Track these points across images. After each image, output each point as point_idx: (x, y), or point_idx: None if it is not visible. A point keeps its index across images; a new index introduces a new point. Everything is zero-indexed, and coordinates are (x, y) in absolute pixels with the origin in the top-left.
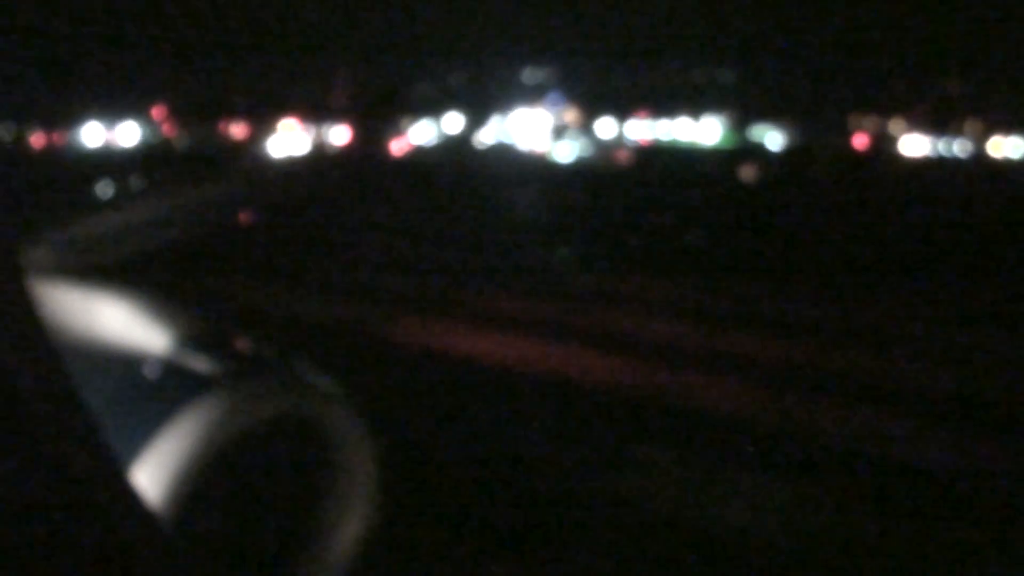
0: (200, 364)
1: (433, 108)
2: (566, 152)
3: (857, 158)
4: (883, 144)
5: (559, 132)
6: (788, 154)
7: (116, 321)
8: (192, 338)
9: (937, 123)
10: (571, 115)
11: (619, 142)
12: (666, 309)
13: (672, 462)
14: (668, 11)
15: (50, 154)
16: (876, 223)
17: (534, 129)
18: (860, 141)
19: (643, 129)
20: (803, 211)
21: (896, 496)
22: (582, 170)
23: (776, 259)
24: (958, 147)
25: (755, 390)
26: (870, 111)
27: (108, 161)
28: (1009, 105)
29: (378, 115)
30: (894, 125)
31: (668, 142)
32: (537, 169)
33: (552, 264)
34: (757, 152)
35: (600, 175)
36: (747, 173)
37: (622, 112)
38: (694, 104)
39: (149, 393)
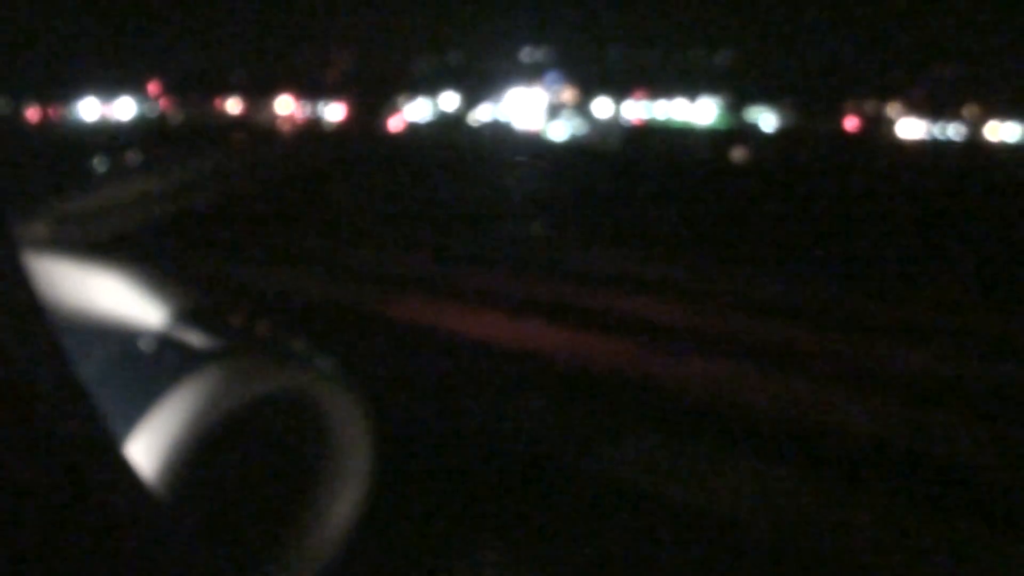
0: (195, 339)
1: (430, 86)
2: (560, 131)
3: (846, 140)
4: (876, 127)
5: (554, 111)
6: (779, 136)
7: (111, 295)
8: (187, 313)
9: (934, 107)
10: (568, 95)
11: (615, 122)
12: (635, 286)
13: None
14: None
15: (46, 128)
16: (858, 205)
17: (530, 108)
18: (851, 124)
19: (640, 110)
20: (789, 192)
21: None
22: (575, 149)
23: (754, 239)
24: (953, 131)
25: (712, 365)
26: (868, 95)
27: (104, 135)
28: (1006, 90)
29: (375, 92)
30: (891, 109)
31: (662, 122)
32: (530, 147)
33: (526, 239)
34: (749, 133)
35: (592, 154)
36: (738, 154)
37: (619, 93)
38: (691, 85)
39: (144, 367)
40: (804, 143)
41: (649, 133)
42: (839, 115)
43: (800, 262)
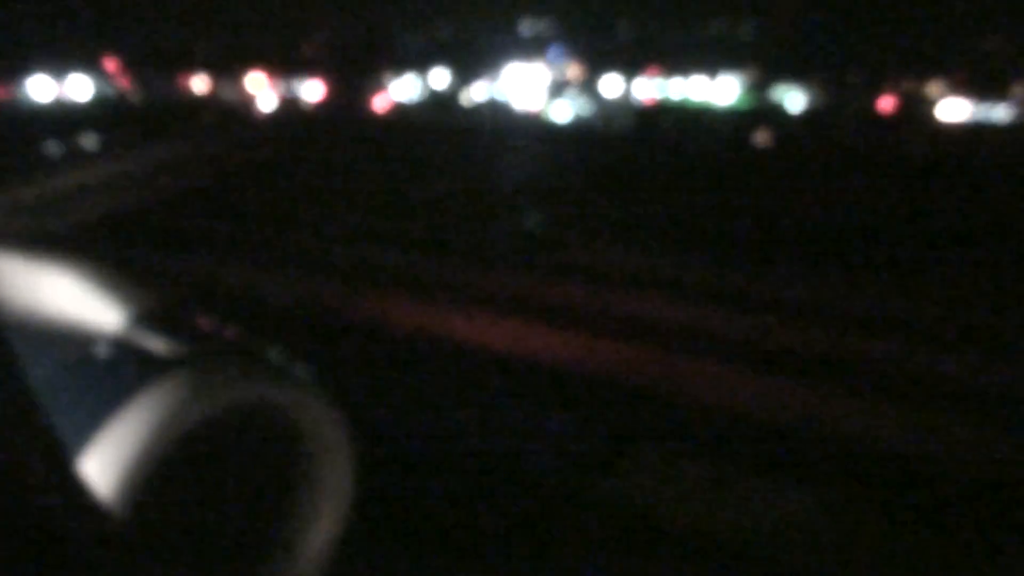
0: (157, 344)
1: (419, 62)
2: (563, 112)
3: (882, 123)
4: (915, 108)
5: (557, 90)
6: (808, 116)
7: (64, 295)
8: (148, 315)
9: (979, 86)
10: (573, 72)
11: (625, 102)
12: (639, 286)
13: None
14: None
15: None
16: (890, 195)
17: (529, 87)
18: (886, 104)
19: (653, 88)
20: (816, 181)
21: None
22: (579, 132)
23: (775, 235)
24: (1002, 112)
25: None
26: (906, 72)
27: (58, 116)
28: None
29: (358, 69)
30: (932, 88)
31: (677, 102)
32: (530, 130)
33: (521, 234)
34: (774, 114)
35: (599, 138)
36: (761, 137)
37: (630, 70)
38: (711, 61)
39: (100, 375)
40: (834, 126)
41: (662, 114)
42: (874, 95)
43: (827, 262)
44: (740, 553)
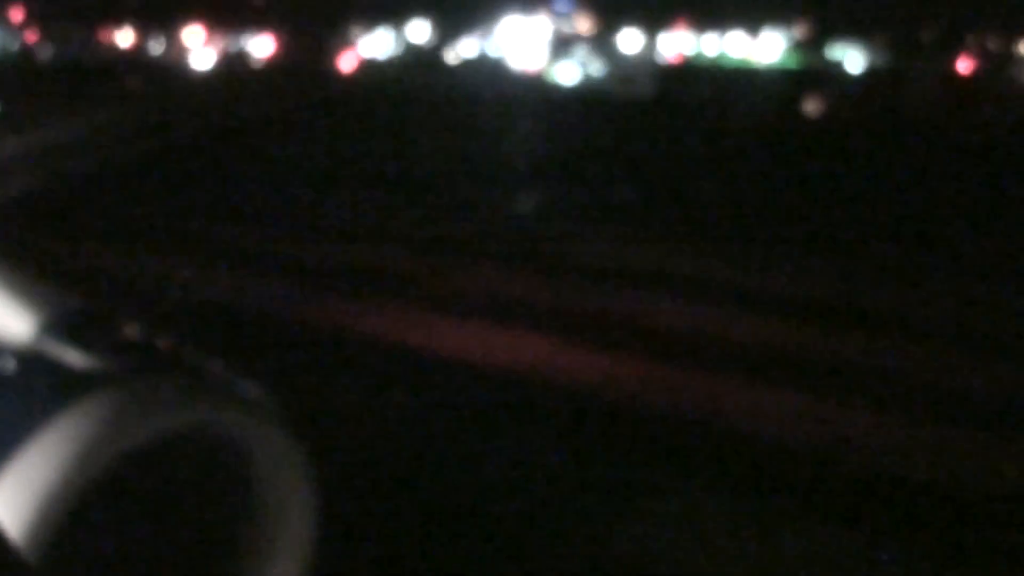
0: (75, 356)
1: (393, 11)
2: (569, 73)
3: (961, 87)
4: (1000, 70)
5: (562, 46)
6: (869, 79)
7: None
8: (64, 321)
9: None
10: (583, 24)
11: (645, 61)
12: (635, 282)
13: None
14: None
15: None
16: (970, 175)
17: (529, 42)
18: (964, 66)
19: (681, 45)
20: (880, 158)
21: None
22: (588, 96)
23: (820, 222)
24: None
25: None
26: (991, 28)
27: None
28: None
29: (318, 21)
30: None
31: (708, 61)
32: (529, 93)
33: (511, 219)
34: (828, 76)
35: (612, 103)
36: (811, 104)
37: (654, 24)
38: (752, 14)
39: (6, 393)
40: (908, 91)
41: (692, 75)
42: (952, 55)
43: (893, 255)
44: None
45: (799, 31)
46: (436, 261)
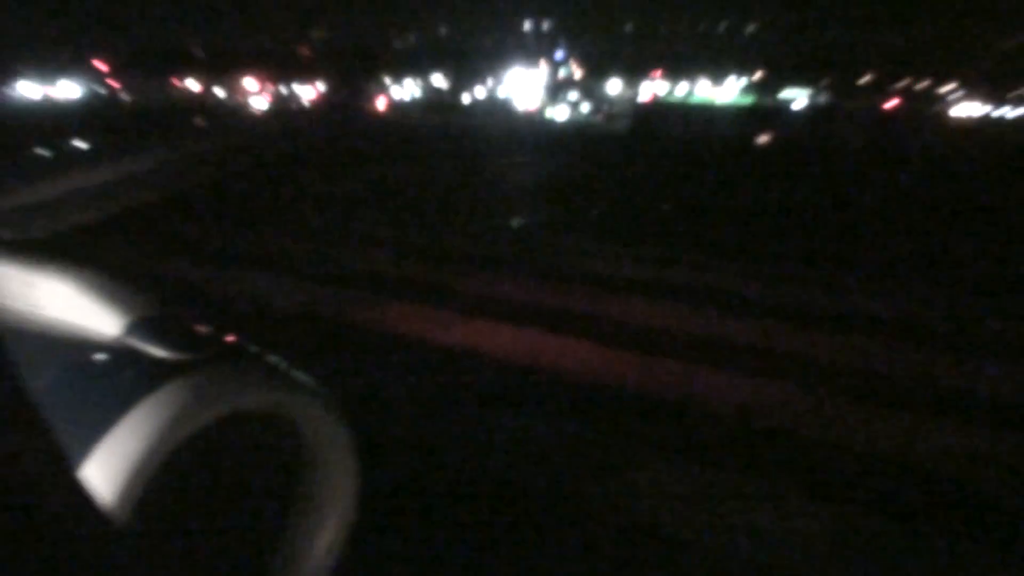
0: (157, 350)
1: (419, 66)
2: (561, 112)
3: (885, 120)
4: (923, 108)
5: (557, 90)
6: (809, 115)
7: (63, 301)
8: (148, 321)
9: (994, 86)
10: (576, 74)
11: (623, 101)
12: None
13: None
14: None
15: None
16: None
17: (530, 87)
18: (891, 104)
19: (657, 89)
20: (808, 176)
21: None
22: (575, 130)
23: (756, 232)
24: (1012, 110)
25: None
26: (922, 74)
27: (49, 117)
28: None
29: (356, 72)
30: (945, 90)
31: (675, 100)
32: (528, 128)
33: (505, 233)
34: (775, 112)
35: (594, 135)
36: (760, 135)
37: (635, 73)
38: (717, 65)
39: (101, 381)
40: (839, 123)
41: (661, 112)
42: (883, 94)
43: (845, 263)
44: (742, 560)
45: (755, 77)
46: (443, 268)
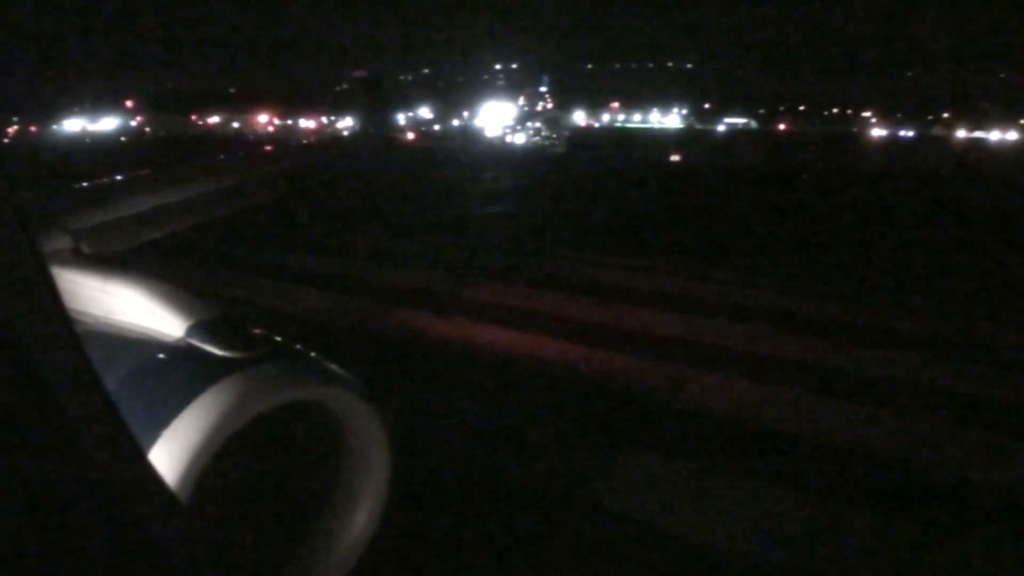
0: (216, 349)
1: (405, 99)
2: (519, 137)
3: (779, 141)
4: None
5: (522, 120)
6: (726, 137)
7: (133, 306)
8: (208, 324)
9: (905, 117)
10: (539, 106)
11: (567, 126)
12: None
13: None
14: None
15: (25, 142)
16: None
17: (498, 117)
18: (781, 127)
19: (614, 118)
20: (721, 189)
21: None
22: (528, 152)
23: (670, 233)
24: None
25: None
26: (846, 103)
27: (89, 148)
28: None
29: (374, 104)
30: (860, 118)
31: (613, 126)
32: (492, 150)
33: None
34: (698, 135)
35: (541, 156)
36: (676, 154)
37: (597, 105)
38: (663, 97)
39: (166, 376)
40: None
41: (595, 136)
42: (791, 119)
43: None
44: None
45: (696, 108)
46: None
